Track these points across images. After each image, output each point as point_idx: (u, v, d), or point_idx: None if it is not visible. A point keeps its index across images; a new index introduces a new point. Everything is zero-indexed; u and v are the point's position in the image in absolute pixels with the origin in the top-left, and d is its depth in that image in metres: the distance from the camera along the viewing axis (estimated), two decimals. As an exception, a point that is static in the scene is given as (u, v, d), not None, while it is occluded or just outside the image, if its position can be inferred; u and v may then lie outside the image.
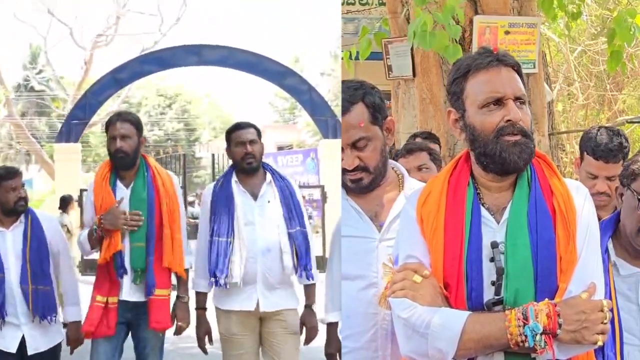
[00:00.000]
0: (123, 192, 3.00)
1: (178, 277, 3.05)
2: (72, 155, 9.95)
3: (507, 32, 3.47)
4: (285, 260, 2.96)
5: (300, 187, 3.34)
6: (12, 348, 2.86)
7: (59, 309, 3.02)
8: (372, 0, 6.46)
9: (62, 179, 9.75)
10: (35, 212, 3.10)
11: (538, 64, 3.57)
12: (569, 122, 8.78)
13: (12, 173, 3.02)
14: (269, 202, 3.03)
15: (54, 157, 11.17)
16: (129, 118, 3.08)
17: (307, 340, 3.02)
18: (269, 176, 3.07)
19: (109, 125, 3.07)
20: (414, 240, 1.59)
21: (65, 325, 3.05)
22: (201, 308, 3.02)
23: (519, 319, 1.39)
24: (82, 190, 7.64)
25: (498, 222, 1.54)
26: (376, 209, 1.89)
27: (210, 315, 3.03)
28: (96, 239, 2.91)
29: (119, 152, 2.96)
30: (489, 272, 1.48)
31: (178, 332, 3.05)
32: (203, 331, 3.00)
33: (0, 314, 2.82)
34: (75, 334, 3.00)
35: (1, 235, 2.95)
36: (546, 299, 1.43)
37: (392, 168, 2.00)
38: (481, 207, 1.56)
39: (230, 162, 3.12)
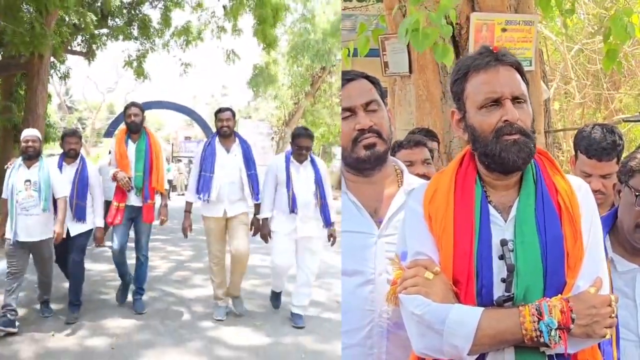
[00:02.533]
0: (131, 145, 5.26)
1: (162, 193, 5.43)
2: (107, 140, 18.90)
3: (504, 30, 3.47)
4: (245, 189, 5.06)
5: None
6: (63, 233, 4.89)
7: (88, 216, 5.16)
8: (369, -3, 6.48)
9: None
10: (85, 159, 5.31)
11: (535, 61, 3.57)
12: (565, 120, 8.78)
13: (73, 132, 5.34)
14: (235, 155, 5.10)
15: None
16: (138, 105, 5.46)
17: (254, 232, 5.16)
18: (237, 140, 5.16)
19: (127, 108, 5.41)
20: (422, 237, 1.59)
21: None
22: (187, 211, 5.17)
23: (533, 315, 1.41)
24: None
25: (505, 220, 1.55)
26: (376, 204, 1.88)
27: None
28: (114, 177, 5.19)
29: (132, 123, 5.28)
30: (498, 270, 1.49)
31: (162, 223, 5.48)
32: (187, 224, 5.16)
33: (55, 212, 4.85)
34: (100, 235, 5.26)
35: (65, 168, 5.10)
36: (559, 295, 1.44)
37: (391, 163, 1.99)
38: (489, 205, 1.58)
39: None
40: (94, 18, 10.21)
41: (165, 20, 12.79)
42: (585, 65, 8.43)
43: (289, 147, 5.10)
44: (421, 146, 2.81)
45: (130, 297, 5.50)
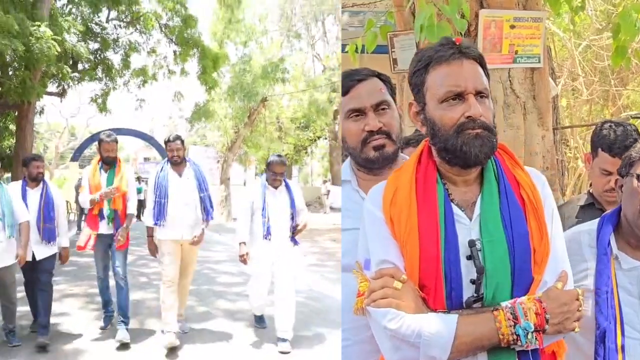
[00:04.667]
0: (103, 174, 5.46)
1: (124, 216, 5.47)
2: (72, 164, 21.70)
3: (512, 27, 3.46)
4: (197, 210, 5.29)
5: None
6: (29, 257, 4.99)
7: (57, 238, 5.32)
8: (376, -6, 6.49)
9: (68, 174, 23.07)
10: (48, 183, 5.45)
11: (543, 58, 3.56)
12: (573, 117, 8.75)
13: (37, 157, 5.49)
14: (187, 178, 5.34)
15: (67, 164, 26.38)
16: (113, 138, 5.56)
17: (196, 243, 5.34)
18: (189, 165, 5.41)
19: (101, 141, 5.52)
20: (385, 244, 1.54)
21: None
22: (150, 236, 5.34)
23: (509, 319, 1.41)
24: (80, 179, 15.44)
25: (470, 219, 1.53)
26: None
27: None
28: (93, 202, 5.32)
29: (109, 158, 5.49)
30: (467, 271, 1.48)
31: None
32: (152, 247, 5.35)
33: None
34: (64, 254, 5.47)
35: (29, 192, 5.23)
36: (532, 296, 1.45)
37: (401, 160, 2.00)
38: (452, 204, 1.54)
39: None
40: (69, 70, 13.06)
41: (125, 63, 15.80)
42: (593, 62, 8.38)
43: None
44: None
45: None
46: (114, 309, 5.69)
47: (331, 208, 23.84)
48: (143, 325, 5.95)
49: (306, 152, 28.30)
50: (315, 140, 27.31)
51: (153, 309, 6.43)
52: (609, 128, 2.44)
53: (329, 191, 24.82)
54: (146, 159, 39.86)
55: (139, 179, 26.01)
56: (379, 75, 1.99)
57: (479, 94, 1.52)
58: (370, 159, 1.90)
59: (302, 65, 24.14)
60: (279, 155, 5.41)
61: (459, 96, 1.51)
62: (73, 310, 6.42)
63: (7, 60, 11.13)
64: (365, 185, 1.92)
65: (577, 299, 1.48)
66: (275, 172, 5.19)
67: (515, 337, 1.40)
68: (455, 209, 1.54)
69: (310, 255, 11.59)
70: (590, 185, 2.65)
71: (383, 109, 1.92)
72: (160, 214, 5.18)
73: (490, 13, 3.43)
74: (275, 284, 5.25)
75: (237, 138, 22.36)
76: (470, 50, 1.55)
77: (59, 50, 10.76)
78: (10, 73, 11.97)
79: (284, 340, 5.14)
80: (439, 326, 1.42)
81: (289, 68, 21.37)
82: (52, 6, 12.47)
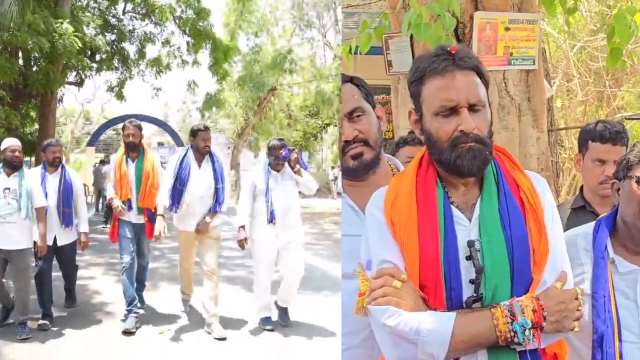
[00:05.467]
0: (130, 164, 5.41)
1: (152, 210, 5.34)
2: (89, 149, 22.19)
3: (507, 29, 3.46)
4: (211, 202, 5.21)
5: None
6: (50, 242, 5.13)
7: (75, 223, 5.46)
8: (371, -5, 6.48)
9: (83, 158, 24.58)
10: (66, 167, 5.56)
11: (538, 60, 3.56)
12: (567, 118, 8.77)
13: (55, 143, 5.56)
14: (205, 170, 5.27)
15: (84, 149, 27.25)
16: (136, 124, 5.51)
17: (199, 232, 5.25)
18: (209, 156, 5.31)
19: (124, 127, 5.52)
20: (386, 245, 1.57)
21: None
22: (161, 214, 5.08)
23: (506, 316, 1.42)
24: (102, 161, 15.83)
25: (469, 220, 1.55)
26: None
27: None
28: (109, 203, 5.46)
29: (131, 143, 5.42)
30: (466, 271, 1.49)
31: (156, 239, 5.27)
32: (161, 227, 5.06)
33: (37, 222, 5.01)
34: (84, 239, 5.50)
35: (48, 178, 5.31)
36: (530, 294, 1.46)
37: (387, 161, 2.00)
38: (452, 206, 1.56)
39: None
40: (89, 62, 13.99)
41: (140, 54, 16.70)
42: (588, 63, 8.41)
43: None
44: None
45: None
46: (137, 306, 5.46)
47: (338, 193, 23.98)
48: (156, 288, 6.94)
49: (315, 139, 28.55)
50: (324, 127, 27.44)
51: (165, 274, 7.76)
52: (598, 123, 2.47)
53: (336, 177, 24.94)
54: (160, 144, 39.96)
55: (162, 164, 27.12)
56: (352, 80, 1.98)
57: (473, 106, 1.52)
58: (350, 168, 1.91)
59: (313, 55, 24.33)
60: (280, 139, 5.36)
61: (453, 109, 1.52)
62: (98, 275, 7.65)
63: (31, 53, 12.34)
64: (351, 190, 1.93)
65: (576, 298, 1.49)
66: (277, 156, 5.15)
67: (512, 334, 1.41)
68: (455, 211, 1.56)
69: (309, 235, 11.86)
70: (582, 188, 2.64)
71: (358, 115, 1.91)
72: (176, 199, 5.17)
73: (485, 15, 3.43)
74: (281, 266, 5.29)
75: (247, 125, 22.85)
76: (464, 61, 1.54)
77: (80, 45, 11.54)
78: (32, 64, 13.05)
79: (284, 312, 5.38)
80: (436, 323, 1.43)
81: (297, 58, 21.89)
82: (73, 3, 13.46)
